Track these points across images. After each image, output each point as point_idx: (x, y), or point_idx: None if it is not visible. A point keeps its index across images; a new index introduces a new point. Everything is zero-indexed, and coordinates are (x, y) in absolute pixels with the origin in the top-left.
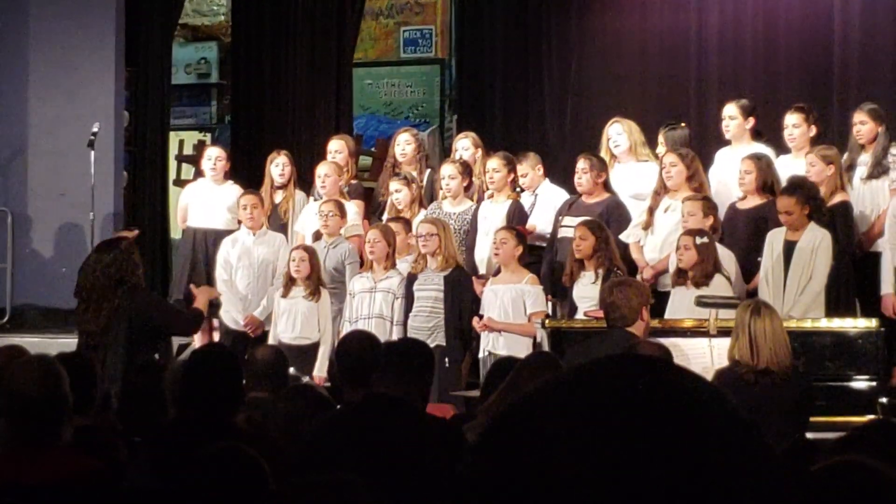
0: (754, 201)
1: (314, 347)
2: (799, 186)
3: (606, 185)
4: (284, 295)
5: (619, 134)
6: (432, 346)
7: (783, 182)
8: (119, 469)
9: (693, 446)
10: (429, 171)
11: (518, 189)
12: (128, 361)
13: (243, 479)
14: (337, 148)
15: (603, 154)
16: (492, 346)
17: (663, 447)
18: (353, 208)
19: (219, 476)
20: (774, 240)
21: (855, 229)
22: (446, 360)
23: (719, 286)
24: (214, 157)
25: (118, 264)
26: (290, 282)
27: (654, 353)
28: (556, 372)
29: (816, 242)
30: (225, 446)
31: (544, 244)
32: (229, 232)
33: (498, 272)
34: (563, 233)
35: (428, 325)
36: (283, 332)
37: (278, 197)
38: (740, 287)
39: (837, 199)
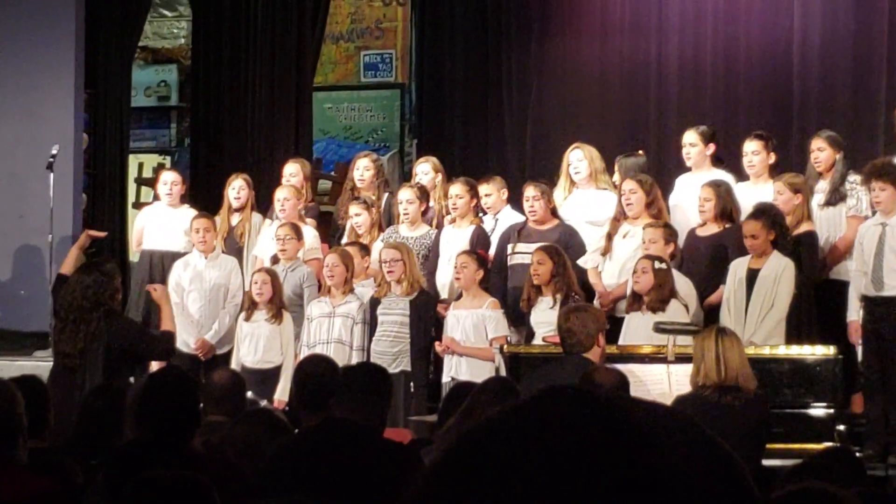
0: (714, 228)
1: (277, 371)
2: (766, 212)
3: (554, 212)
4: (247, 318)
5: (579, 160)
6: (397, 371)
7: (742, 209)
8: (74, 491)
9: (652, 474)
10: (387, 195)
11: (480, 213)
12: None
13: None
14: (292, 171)
15: (562, 179)
16: (455, 371)
17: (620, 478)
18: (311, 232)
19: (167, 502)
20: (738, 267)
21: (818, 258)
22: (412, 385)
23: (676, 312)
24: (170, 181)
25: (97, 286)
26: (252, 305)
27: (612, 379)
28: (511, 399)
29: (780, 270)
30: (175, 473)
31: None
32: (185, 255)
33: (460, 297)
34: (515, 259)
35: (392, 350)
36: (246, 355)
37: (234, 220)
38: (698, 314)
39: (804, 228)
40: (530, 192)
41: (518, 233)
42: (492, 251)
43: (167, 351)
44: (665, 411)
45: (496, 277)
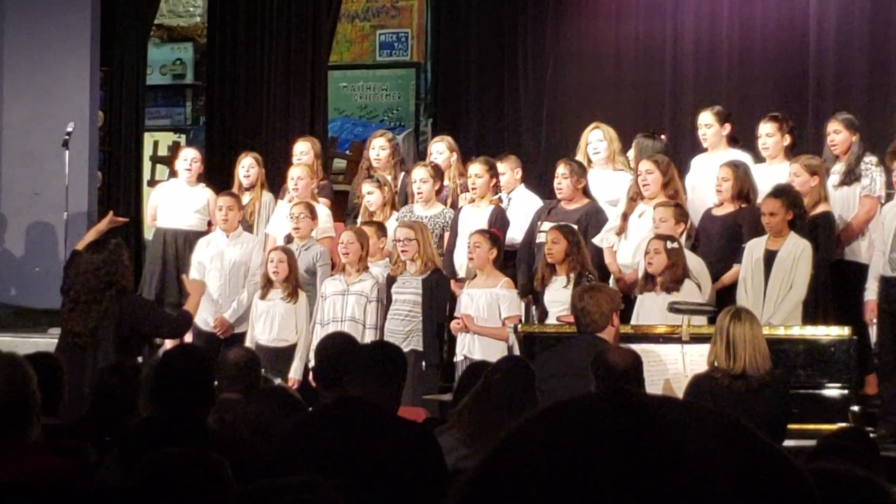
0: (729, 208)
1: (292, 349)
2: (786, 192)
3: (586, 191)
4: (263, 297)
5: (599, 140)
6: (408, 349)
7: (759, 190)
8: (88, 469)
9: (690, 480)
10: (402, 174)
11: (497, 195)
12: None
13: (204, 483)
14: (303, 150)
15: (580, 158)
16: (468, 350)
17: (652, 481)
18: (325, 211)
19: (179, 480)
20: (754, 248)
21: (836, 239)
22: (423, 363)
23: (689, 292)
24: (190, 158)
25: (108, 266)
26: (267, 283)
27: (626, 358)
28: (524, 379)
29: (798, 252)
30: (188, 451)
31: (512, 249)
32: (199, 234)
33: (475, 276)
34: (541, 238)
35: (405, 329)
36: (261, 333)
37: (245, 199)
38: (712, 294)
39: (820, 209)
40: (559, 169)
41: (548, 211)
42: (508, 231)
43: (178, 331)
44: (705, 414)
45: (524, 254)
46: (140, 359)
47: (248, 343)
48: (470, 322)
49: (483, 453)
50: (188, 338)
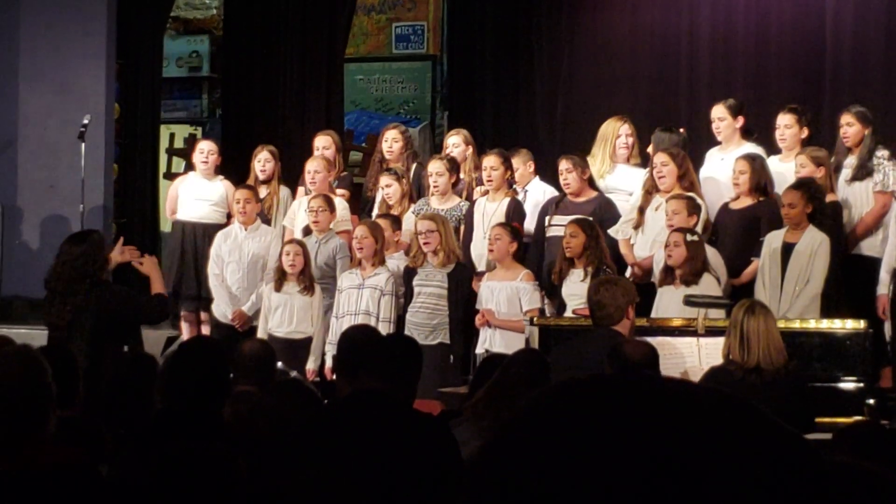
0: (746, 201)
1: (308, 341)
2: (807, 185)
3: (591, 183)
4: (277, 289)
5: (628, 135)
6: (434, 343)
7: (776, 183)
8: (104, 461)
9: (699, 460)
10: (415, 166)
11: (514, 186)
12: (92, 356)
13: (216, 477)
14: (324, 144)
15: (604, 151)
16: (489, 343)
17: (666, 457)
18: (342, 203)
19: (192, 473)
20: (772, 241)
21: (843, 231)
22: (451, 357)
23: (708, 285)
24: (207, 150)
25: (85, 258)
26: (282, 276)
27: (642, 351)
28: (541, 372)
29: (815, 245)
30: (201, 444)
31: (529, 241)
32: (217, 226)
33: (494, 269)
34: (552, 232)
35: (431, 323)
36: (277, 326)
37: (262, 192)
38: (727, 287)
39: (828, 199)
40: (563, 165)
41: (556, 205)
42: (525, 223)
43: (159, 314)
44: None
45: (534, 250)
46: (126, 348)
47: (260, 335)
48: (491, 316)
49: (494, 429)
50: (205, 329)
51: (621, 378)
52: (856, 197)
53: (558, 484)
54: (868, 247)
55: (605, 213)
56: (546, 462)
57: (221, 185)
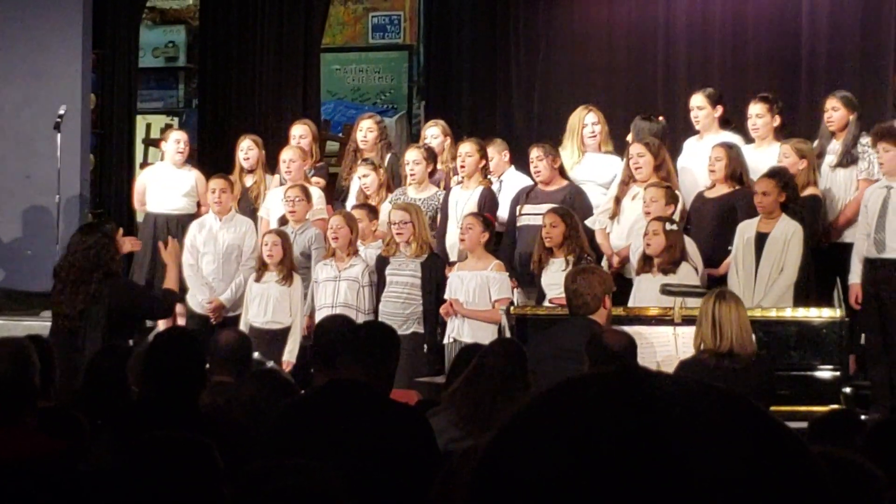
0: (722, 190)
1: (285, 332)
2: (780, 174)
3: (562, 172)
4: (258, 279)
5: (594, 123)
6: (408, 332)
7: (752, 172)
8: (80, 451)
9: (689, 452)
10: (389, 155)
11: (488, 177)
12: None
13: (192, 466)
14: (301, 133)
15: (572, 141)
16: (457, 332)
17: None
18: (318, 192)
19: (168, 462)
20: (746, 230)
21: (821, 223)
22: (424, 346)
23: (686, 274)
24: (182, 140)
25: (97, 248)
26: (262, 266)
27: (620, 341)
28: (518, 362)
29: (789, 234)
30: (176, 434)
31: (502, 230)
32: (189, 216)
33: (466, 258)
34: (523, 221)
35: (404, 312)
36: (255, 316)
37: (248, 181)
38: (703, 277)
39: (808, 192)
40: (533, 153)
41: (527, 195)
42: (499, 213)
43: (167, 311)
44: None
45: (507, 240)
46: (131, 342)
47: (241, 326)
48: (458, 306)
49: (491, 433)
50: (181, 320)
51: (620, 376)
52: (842, 184)
53: (559, 484)
54: (852, 235)
55: (576, 202)
56: (546, 462)
57: (190, 175)
